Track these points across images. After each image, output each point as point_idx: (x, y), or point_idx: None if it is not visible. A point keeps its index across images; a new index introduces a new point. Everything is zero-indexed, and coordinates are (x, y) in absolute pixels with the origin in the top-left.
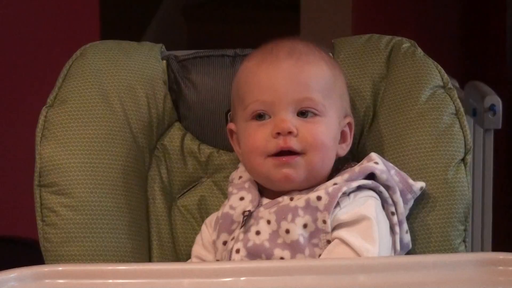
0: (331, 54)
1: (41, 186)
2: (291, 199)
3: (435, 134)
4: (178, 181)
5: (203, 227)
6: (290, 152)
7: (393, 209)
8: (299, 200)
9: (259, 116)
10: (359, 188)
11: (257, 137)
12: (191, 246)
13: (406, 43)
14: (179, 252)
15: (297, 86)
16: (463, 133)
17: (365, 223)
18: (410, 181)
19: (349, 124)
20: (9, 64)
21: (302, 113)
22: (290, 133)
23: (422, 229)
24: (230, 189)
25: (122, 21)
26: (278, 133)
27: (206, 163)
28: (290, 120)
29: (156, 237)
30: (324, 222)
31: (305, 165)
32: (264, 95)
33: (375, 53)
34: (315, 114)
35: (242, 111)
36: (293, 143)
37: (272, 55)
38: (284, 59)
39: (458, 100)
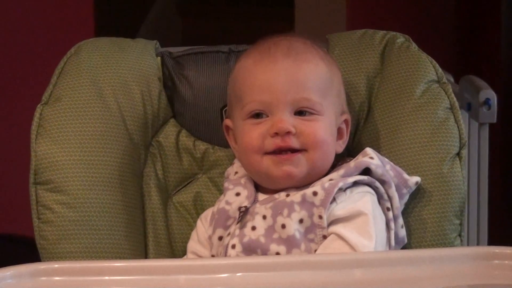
0: (325, 50)
1: (37, 184)
2: (287, 195)
3: (430, 129)
4: (173, 178)
5: (199, 222)
6: (289, 150)
7: (388, 204)
8: (295, 195)
9: (257, 115)
10: (355, 183)
11: (254, 136)
12: (187, 242)
13: (401, 38)
14: (175, 249)
15: (295, 86)
16: (458, 127)
17: (362, 218)
18: (405, 175)
19: (345, 121)
20: (4, 62)
21: (300, 112)
22: (288, 133)
23: (417, 224)
24: (226, 184)
25: (116, 18)
26: (276, 133)
27: (202, 159)
28: (288, 120)
29: (152, 233)
30: (320, 217)
31: (307, 162)
32: (262, 95)
33: (369, 48)
34: (313, 113)
35: (240, 109)
36: (292, 142)
37: (269, 54)
38: (282, 59)
39: (452, 95)
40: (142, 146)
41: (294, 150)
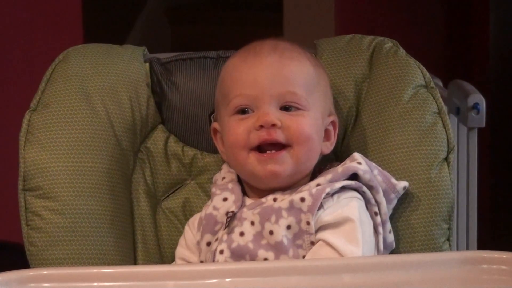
0: (313, 55)
1: (26, 190)
2: (275, 199)
3: (418, 133)
4: (162, 184)
5: (186, 228)
6: (274, 145)
7: (376, 209)
8: (283, 201)
9: (243, 112)
10: (343, 188)
11: (239, 130)
12: (175, 248)
13: (388, 43)
14: (164, 255)
15: (280, 80)
16: (446, 132)
17: (349, 225)
18: (393, 180)
19: (333, 122)
20: None
21: (285, 108)
22: (273, 125)
23: (406, 229)
24: (213, 190)
25: (105, 24)
26: (261, 126)
27: (190, 165)
28: (273, 113)
29: (141, 239)
30: (308, 223)
31: (291, 160)
32: (247, 89)
33: (357, 53)
34: (299, 109)
35: (226, 106)
36: (277, 135)
37: (255, 52)
38: (267, 55)
39: (440, 99)
40: (130, 152)
41: (279, 147)
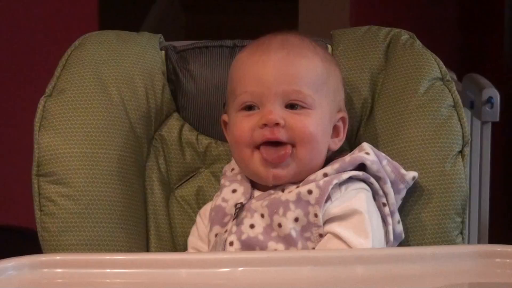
0: (329, 46)
1: (39, 176)
2: (283, 190)
3: (433, 126)
4: (176, 172)
5: (198, 218)
6: (277, 143)
7: (384, 200)
8: (291, 193)
9: (249, 108)
10: (350, 179)
11: (243, 128)
12: (188, 237)
13: (405, 35)
14: (177, 243)
15: (286, 78)
16: (461, 125)
17: (357, 217)
18: (402, 171)
19: (342, 119)
20: (8, 54)
21: (291, 106)
22: (277, 124)
23: (419, 221)
24: (222, 181)
25: (120, 11)
26: (265, 124)
27: (204, 153)
28: (277, 112)
29: (154, 227)
30: (316, 215)
31: (295, 163)
32: (253, 86)
33: (373, 45)
34: (304, 107)
35: (233, 101)
36: (280, 134)
37: (263, 48)
38: (275, 51)
39: (456, 93)
40: (145, 140)
41: (281, 143)
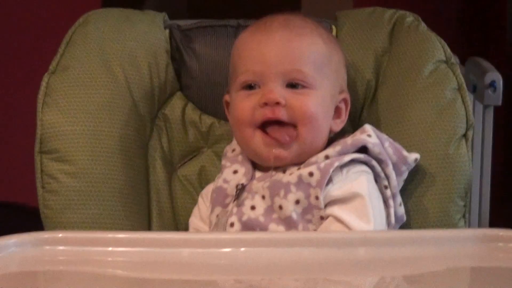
0: (334, 28)
1: (42, 153)
2: (284, 171)
3: (437, 109)
4: (178, 151)
5: (200, 199)
6: (277, 122)
7: (386, 182)
8: (292, 175)
9: (250, 87)
10: (352, 162)
11: (244, 107)
12: (190, 216)
13: (410, 17)
14: (179, 222)
15: (288, 58)
16: (465, 108)
17: (358, 200)
18: (405, 152)
19: (344, 100)
20: (12, 31)
21: (292, 85)
22: (278, 103)
23: (421, 204)
24: (223, 162)
25: None
26: (265, 104)
27: (207, 133)
28: (279, 91)
29: (156, 206)
30: (317, 198)
31: (297, 143)
32: (254, 66)
33: (378, 27)
34: (305, 87)
35: (234, 81)
36: (281, 114)
37: (265, 27)
38: (277, 31)
39: (460, 76)
40: (148, 118)
41: (282, 123)
